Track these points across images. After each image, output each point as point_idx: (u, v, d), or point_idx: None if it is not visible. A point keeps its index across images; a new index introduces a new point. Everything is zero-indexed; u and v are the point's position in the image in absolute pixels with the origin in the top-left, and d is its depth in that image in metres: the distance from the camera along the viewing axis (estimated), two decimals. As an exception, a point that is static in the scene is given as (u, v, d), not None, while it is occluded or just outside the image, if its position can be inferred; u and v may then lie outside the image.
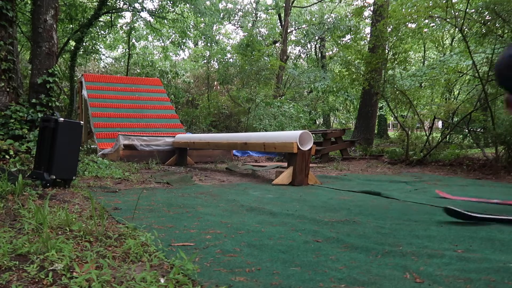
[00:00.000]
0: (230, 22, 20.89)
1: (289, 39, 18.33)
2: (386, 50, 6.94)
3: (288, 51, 18.29)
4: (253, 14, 20.76)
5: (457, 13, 5.69)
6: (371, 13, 8.72)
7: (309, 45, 20.38)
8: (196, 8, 13.87)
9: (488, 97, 5.37)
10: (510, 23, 5.01)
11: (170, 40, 17.76)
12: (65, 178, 3.25)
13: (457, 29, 5.96)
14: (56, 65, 5.25)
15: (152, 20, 15.06)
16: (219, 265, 1.45)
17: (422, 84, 9.99)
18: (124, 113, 7.96)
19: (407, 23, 6.71)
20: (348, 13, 15.99)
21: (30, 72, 5.45)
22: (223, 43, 20.77)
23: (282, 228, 2.03)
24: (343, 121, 18.35)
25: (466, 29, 5.63)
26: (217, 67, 16.72)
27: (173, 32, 16.71)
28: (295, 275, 1.35)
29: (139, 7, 13.44)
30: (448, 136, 7.91)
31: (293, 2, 16.89)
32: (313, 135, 6.99)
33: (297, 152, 3.86)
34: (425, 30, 8.82)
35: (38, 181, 3.18)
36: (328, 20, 17.07)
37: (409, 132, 7.15)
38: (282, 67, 14.52)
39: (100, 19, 13.22)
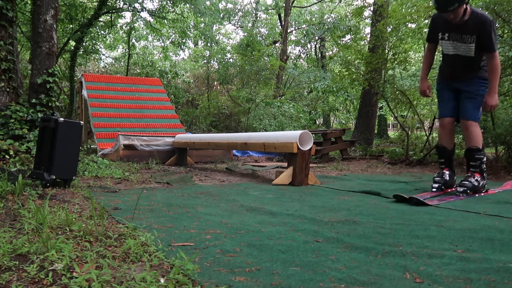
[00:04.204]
0: (230, 22, 20.90)
1: (289, 39, 18.33)
2: (386, 50, 6.93)
3: (288, 51, 18.29)
4: (253, 14, 20.77)
5: (457, 13, 5.67)
6: (371, 13, 8.72)
7: (309, 45, 20.40)
8: (196, 8, 13.88)
9: (488, 97, 5.37)
10: (510, 23, 5.01)
11: (170, 40, 17.76)
12: (65, 178, 3.25)
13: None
14: (56, 65, 5.25)
15: (152, 20, 15.06)
16: (219, 265, 1.45)
17: (422, 84, 9.97)
18: (124, 113, 7.97)
19: (407, 23, 6.71)
20: (348, 13, 16.00)
21: (30, 72, 5.45)
22: (223, 43, 20.78)
23: (282, 228, 2.03)
24: (343, 121, 18.35)
25: (466, 29, 5.62)
26: (217, 67, 16.72)
27: (173, 32, 16.71)
28: (295, 275, 1.35)
29: (139, 7, 13.44)
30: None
31: (293, 2, 16.89)
32: (313, 135, 6.99)
33: (297, 152, 3.86)
34: (425, 30, 8.81)
35: (38, 181, 3.18)
36: (328, 20, 17.08)
37: (409, 132, 7.16)
38: (282, 67, 14.52)
39: (100, 19, 13.22)
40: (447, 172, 3.32)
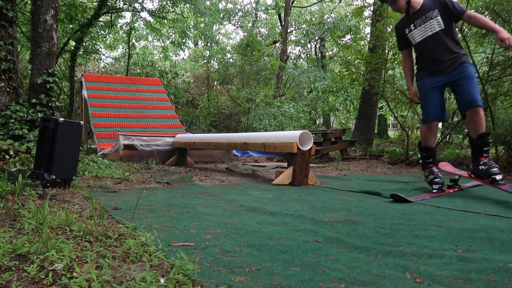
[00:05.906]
0: (230, 22, 20.90)
1: (289, 39, 18.33)
2: (386, 50, 6.93)
3: (288, 51, 18.29)
4: (253, 14, 20.77)
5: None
6: (371, 13, 8.72)
7: (309, 45, 20.39)
8: (196, 8, 13.88)
9: (488, 97, 5.37)
10: (510, 23, 5.01)
11: (170, 40, 17.76)
12: (65, 178, 3.25)
13: (456, 29, 5.95)
14: (56, 65, 5.25)
15: (152, 20, 15.06)
16: (219, 265, 1.45)
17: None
18: (124, 113, 7.97)
19: (407, 23, 6.69)
20: (348, 13, 15.99)
21: (30, 72, 5.45)
22: (223, 43, 20.77)
23: (282, 228, 2.03)
24: (343, 121, 18.35)
25: (466, 29, 5.63)
26: (217, 67, 16.72)
27: (173, 32, 16.71)
28: (295, 275, 1.35)
29: (139, 7, 13.44)
30: (448, 136, 7.91)
31: (293, 2, 16.89)
32: (313, 135, 6.99)
33: (297, 152, 3.86)
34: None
35: (38, 181, 3.18)
36: (328, 20, 17.08)
37: (409, 132, 7.16)
38: (282, 67, 14.52)
39: (100, 19, 13.22)
40: (437, 170, 3.38)
